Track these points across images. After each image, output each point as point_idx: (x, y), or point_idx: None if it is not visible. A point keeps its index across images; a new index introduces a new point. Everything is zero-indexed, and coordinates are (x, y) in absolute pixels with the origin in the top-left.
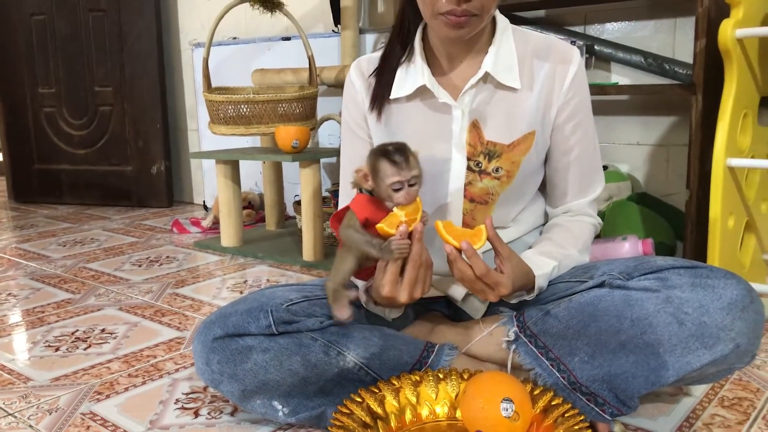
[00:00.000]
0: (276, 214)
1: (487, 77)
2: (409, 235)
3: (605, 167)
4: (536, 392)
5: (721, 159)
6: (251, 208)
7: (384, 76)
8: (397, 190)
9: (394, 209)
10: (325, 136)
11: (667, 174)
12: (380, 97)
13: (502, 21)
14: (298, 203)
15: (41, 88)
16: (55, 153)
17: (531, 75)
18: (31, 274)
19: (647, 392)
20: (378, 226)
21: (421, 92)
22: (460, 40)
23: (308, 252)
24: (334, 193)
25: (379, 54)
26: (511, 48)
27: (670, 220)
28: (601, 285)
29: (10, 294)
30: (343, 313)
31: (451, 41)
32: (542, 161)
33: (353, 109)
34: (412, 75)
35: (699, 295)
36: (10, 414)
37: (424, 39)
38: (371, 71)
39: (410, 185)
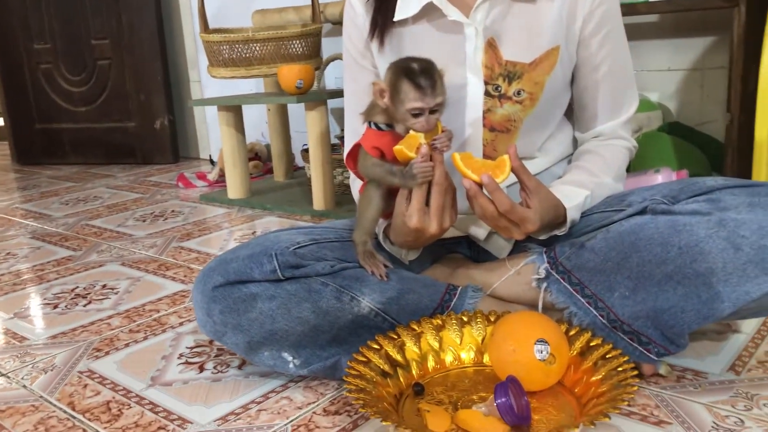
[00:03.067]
0: (284, 165)
1: None
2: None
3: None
4: (572, 333)
5: None
6: (258, 159)
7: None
8: (416, 116)
9: (411, 131)
10: (332, 79)
11: (701, 101)
12: (381, 22)
13: None
14: (306, 151)
15: (36, 44)
16: (56, 111)
17: None
18: (32, 233)
19: (699, 328)
20: (396, 148)
21: (428, 11)
22: None
23: (318, 200)
24: (343, 140)
25: None
26: None
27: (705, 150)
28: (642, 212)
29: (9, 253)
30: (381, 273)
31: None
32: (568, 81)
33: (355, 35)
34: None
35: (758, 215)
36: (3, 375)
37: None
38: None
39: (432, 112)
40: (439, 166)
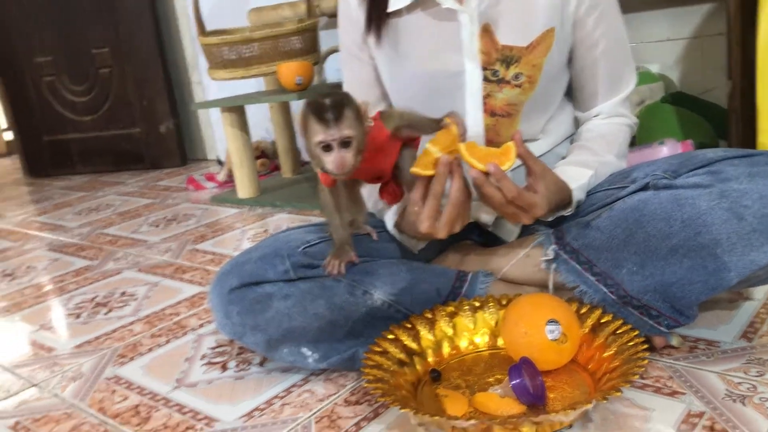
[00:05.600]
0: (290, 161)
1: None
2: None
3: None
4: (583, 311)
5: (767, 39)
6: (265, 157)
7: None
8: (326, 150)
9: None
10: (333, 71)
11: (703, 69)
12: (376, 15)
13: None
14: None
15: (38, 58)
16: (62, 123)
17: None
18: (48, 246)
19: (707, 298)
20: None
21: (422, 0)
22: None
23: None
24: None
25: None
26: None
27: (710, 118)
28: (644, 188)
29: (28, 267)
30: (336, 271)
31: None
32: (566, 62)
33: (350, 28)
34: None
35: (759, 185)
36: (34, 385)
37: None
38: None
39: (343, 146)
40: (457, 180)
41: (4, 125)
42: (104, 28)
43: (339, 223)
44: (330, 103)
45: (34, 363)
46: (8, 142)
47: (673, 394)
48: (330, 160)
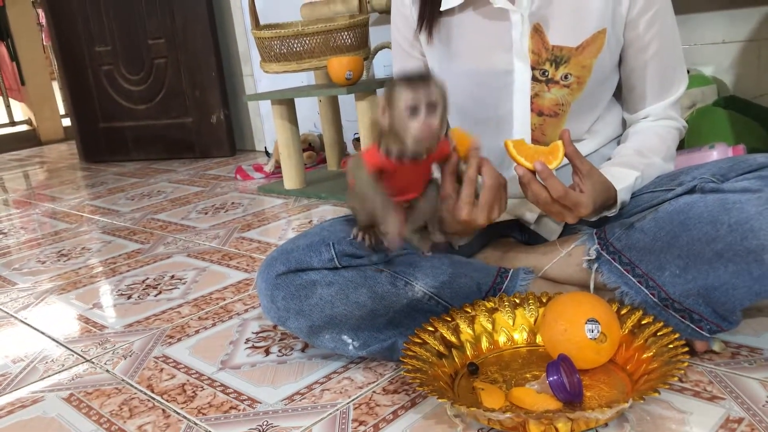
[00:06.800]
0: (336, 154)
1: None
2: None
3: (686, 71)
4: (623, 312)
5: None
6: (311, 149)
7: None
8: (413, 115)
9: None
10: (381, 68)
11: (758, 72)
12: (429, 13)
13: None
14: (357, 140)
15: (98, 47)
16: (118, 110)
17: None
18: (103, 228)
19: (751, 304)
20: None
21: (474, 0)
22: None
23: None
24: None
25: None
26: None
27: (764, 122)
28: (691, 191)
29: (84, 248)
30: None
31: None
32: (616, 63)
33: (403, 25)
34: None
35: None
36: (87, 360)
37: None
38: None
39: (429, 111)
40: (486, 165)
41: (63, 111)
42: (161, 19)
43: (382, 200)
44: (419, 75)
45: (87, 339)
46: (66, 128)
47: (712, 398)
48: (416, 125)
